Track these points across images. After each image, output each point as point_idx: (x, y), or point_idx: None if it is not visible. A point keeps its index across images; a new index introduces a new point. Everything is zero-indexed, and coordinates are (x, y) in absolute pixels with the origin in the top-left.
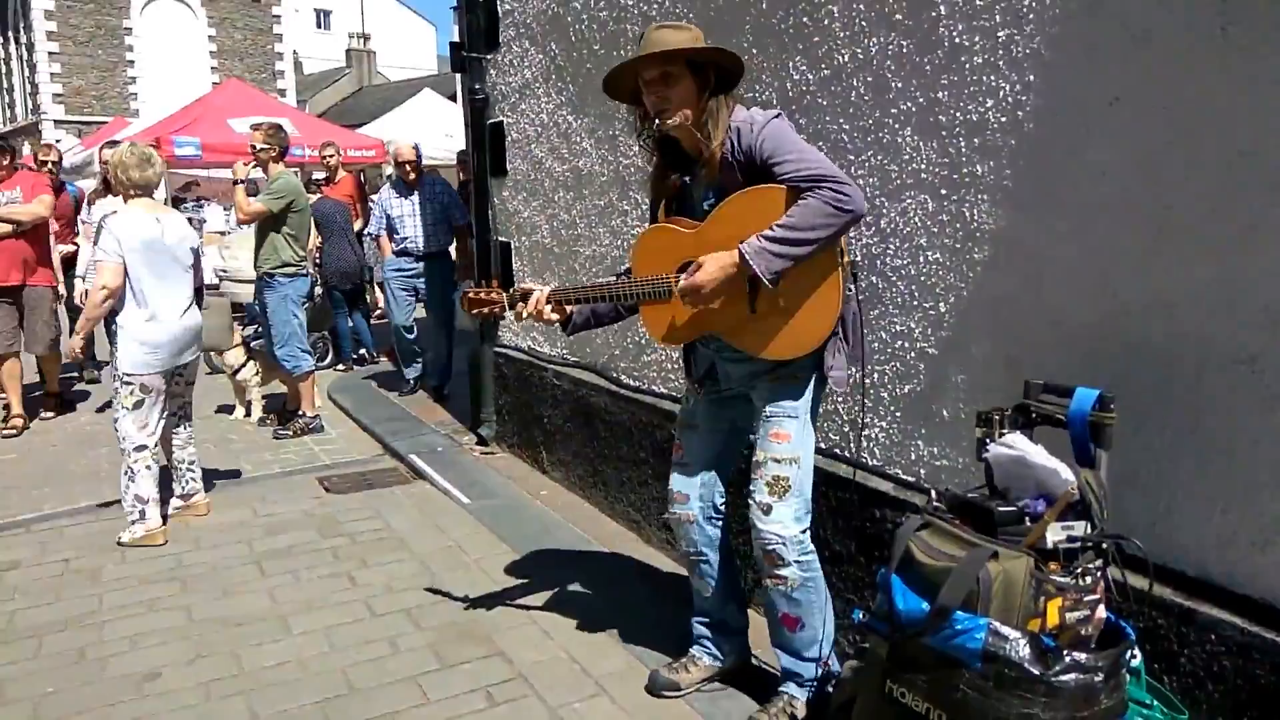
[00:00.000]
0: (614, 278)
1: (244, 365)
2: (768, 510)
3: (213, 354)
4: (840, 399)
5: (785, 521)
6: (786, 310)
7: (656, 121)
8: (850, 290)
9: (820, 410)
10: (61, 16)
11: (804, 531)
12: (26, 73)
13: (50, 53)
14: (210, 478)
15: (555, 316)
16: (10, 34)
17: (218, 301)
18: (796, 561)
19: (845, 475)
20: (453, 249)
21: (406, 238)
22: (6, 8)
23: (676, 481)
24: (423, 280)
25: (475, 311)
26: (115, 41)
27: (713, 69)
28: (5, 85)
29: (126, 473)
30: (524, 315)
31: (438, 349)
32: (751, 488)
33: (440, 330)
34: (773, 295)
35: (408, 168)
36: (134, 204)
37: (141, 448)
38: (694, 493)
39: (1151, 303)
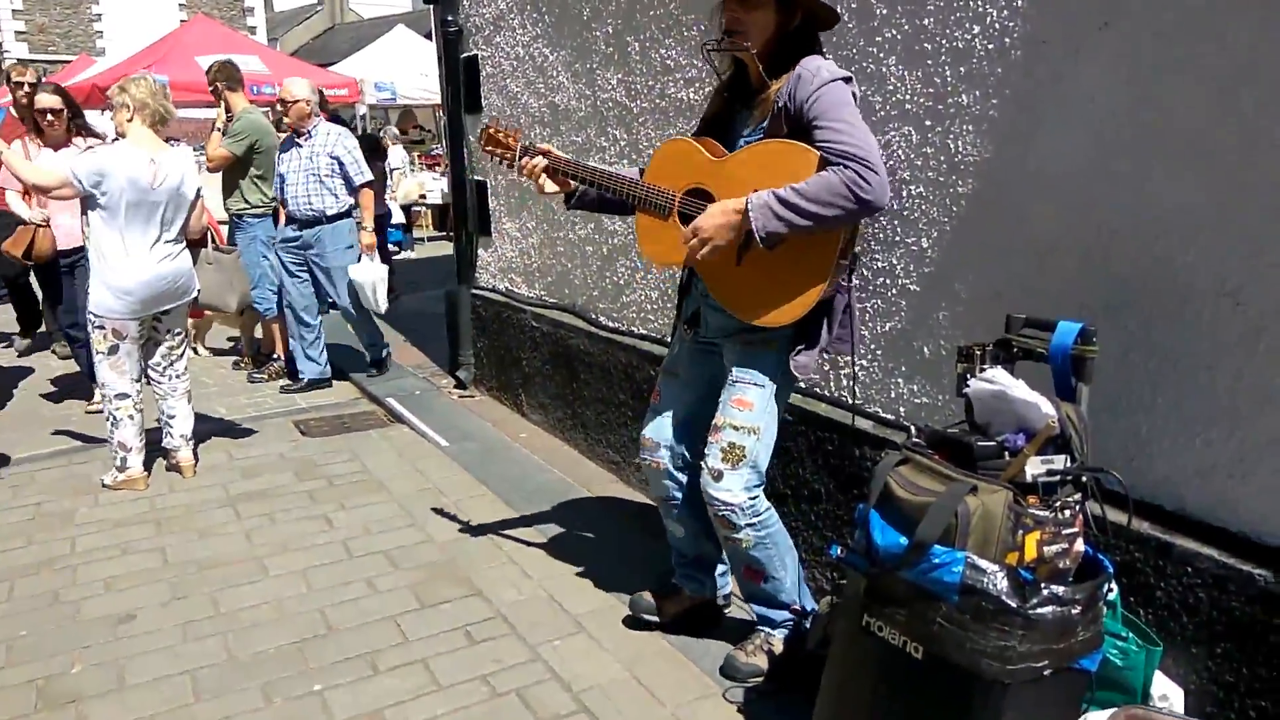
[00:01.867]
0: (626, 171)
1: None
2: (718, 476)
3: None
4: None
5: (734, 490)
6: (769, 278)
7: (726, 39)
8: (846, 281)
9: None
10: None
11: (753, 499)
12: None
13: None
14: None
15: (553, 189)
16: None
17: (224, 258)
18: (749, 525)
19: (825, 414)
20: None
21: (287, 199)
22: None
23: (649, 428)
24: (314, 253)
25: (488, 148)
26: None
27: (801, 10)
28: None
29: (109, 419)
30: (523, 172)
31: (360, 334)
32: (707, 450)
33: (347, 316)
34: (761, 257)
35: (291, 110)
36: (140, 135)
37: (123, 395)
38: (664, 441)
39: (1137, 234)
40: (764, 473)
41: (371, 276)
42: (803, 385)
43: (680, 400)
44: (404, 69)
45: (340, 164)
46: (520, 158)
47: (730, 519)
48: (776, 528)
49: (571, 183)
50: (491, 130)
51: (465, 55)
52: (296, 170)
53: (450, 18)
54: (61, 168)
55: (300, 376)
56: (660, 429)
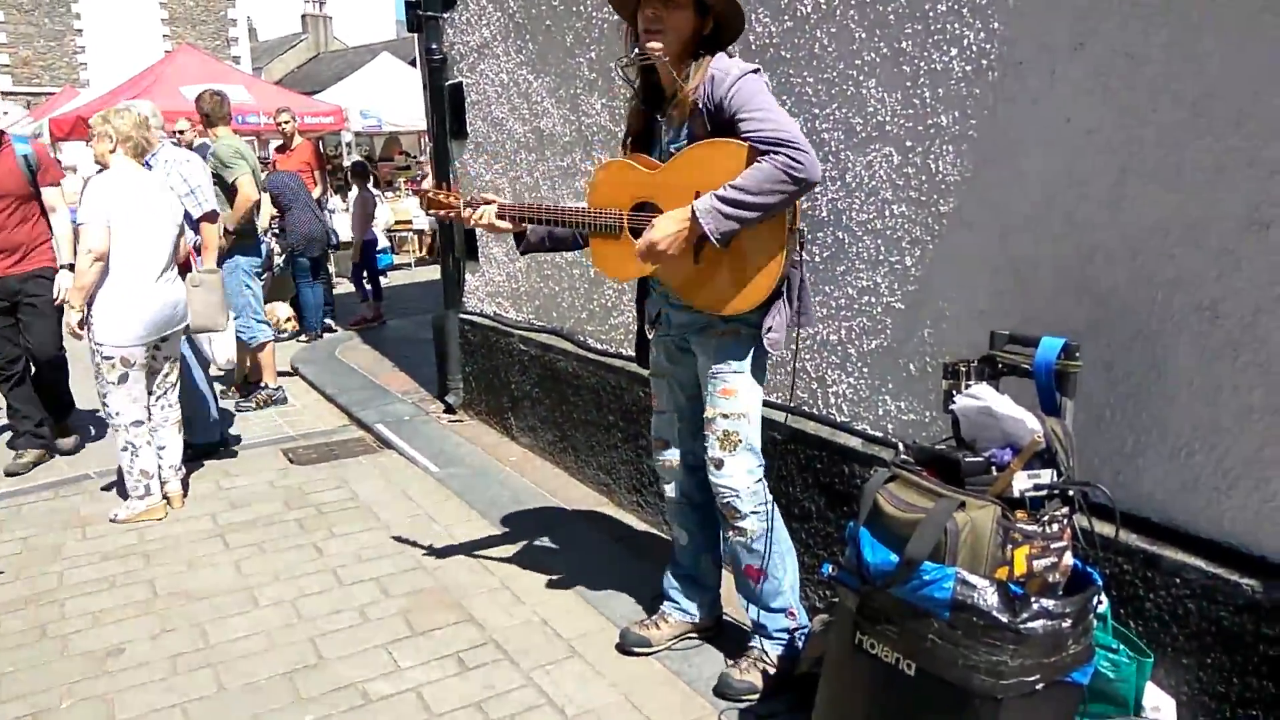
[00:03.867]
0: (574, 204)
1: None
2: (720, 465)
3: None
4: (795, 360)
5: (738, 474)
6: (729, 267)
7: (644, 46)
8: (798, 257)
9: (767, 364)
10: None
11: (758, 482)
12: None
13: None
14: None
15: (505, 226)
16: None
17: (210, 278)
18: (753, 512)
19: (813, 432)
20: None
21: None
22: None
23: (657, 429)
24: None
25: (431, 211)
26: (62, 9)
27: (714, 16)
28: None
29: (127, 449)
30: (472, 222)
31: (191, 402)
32: (705, 444)
33: (190, 381)
34: (717, 251)
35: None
36: (123, 163)
37: (138, 422)
38: (673, 438)
39: (1117, 249)
40: (760, 452)
41: None
42: (774, 357)
43: (677, 397)
44: (389, 96)
45: (177, 195)
46: (464, 210)
47: (735, 505)
48: (779, 522)
49: (521, 223)
50: (430, 194)
51: (450, 82)
52: None
53: (434, 45)
54: (91, 235)
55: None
56: (667, 429)
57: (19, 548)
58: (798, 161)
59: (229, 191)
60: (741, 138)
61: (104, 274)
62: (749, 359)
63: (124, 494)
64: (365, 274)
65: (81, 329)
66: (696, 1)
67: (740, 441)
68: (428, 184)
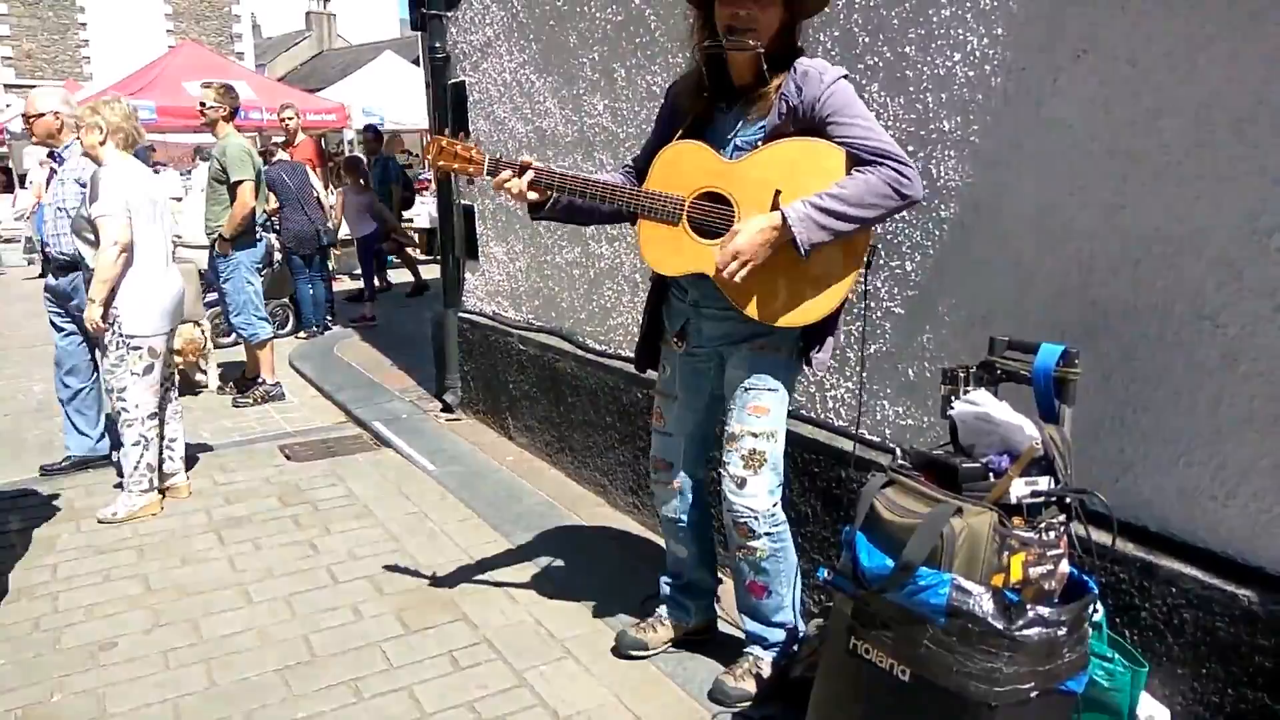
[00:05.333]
0: (620, 179)
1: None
2: (742, 484)
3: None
4: (864, 383)
5: (759, 495)
6: (793, 277)
7: (728, 38)
8: (864, 275)
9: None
10: None
11: (775, 505)
12: None
13: None
14: None
15: (534, 197)
16: None
17: (184, 268)
18: (767, 534)
19: (810, 436)
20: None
21: (45, 240)
22: None
23: (659, 449)
24: (75, 304)
25: (443, 164)
26: (66, 3)
27: (799, 6)
28: None
29: (139, 442)
30: (498, 186)
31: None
32: (726, 459)
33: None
34: (784, 257)
35: (36, 127)
36: (126, 158)
37: (153, 414)
38: (677, 461)
39: (1117, 257)
40: (782, 474)
41: None
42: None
43: (684, 419)
44: (392, 94)
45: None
46: (493, 172)
47: (751, 526)
48: (789, 541)
49: (549, 192)
50: (446, 144)
51: (452, 81)
52: (49, 203)
53: (438, 44)
54: (108, 227)
55: (67, 454)
56: (670, 450)
57: (13, 540)
58: (906, 177)
59: (232, 192)
60: (837, 142)
61: (126, 265)
62: (786, 378)
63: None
64: (364, 269)
65: (105, 322)
66: None
67: (765, 461)
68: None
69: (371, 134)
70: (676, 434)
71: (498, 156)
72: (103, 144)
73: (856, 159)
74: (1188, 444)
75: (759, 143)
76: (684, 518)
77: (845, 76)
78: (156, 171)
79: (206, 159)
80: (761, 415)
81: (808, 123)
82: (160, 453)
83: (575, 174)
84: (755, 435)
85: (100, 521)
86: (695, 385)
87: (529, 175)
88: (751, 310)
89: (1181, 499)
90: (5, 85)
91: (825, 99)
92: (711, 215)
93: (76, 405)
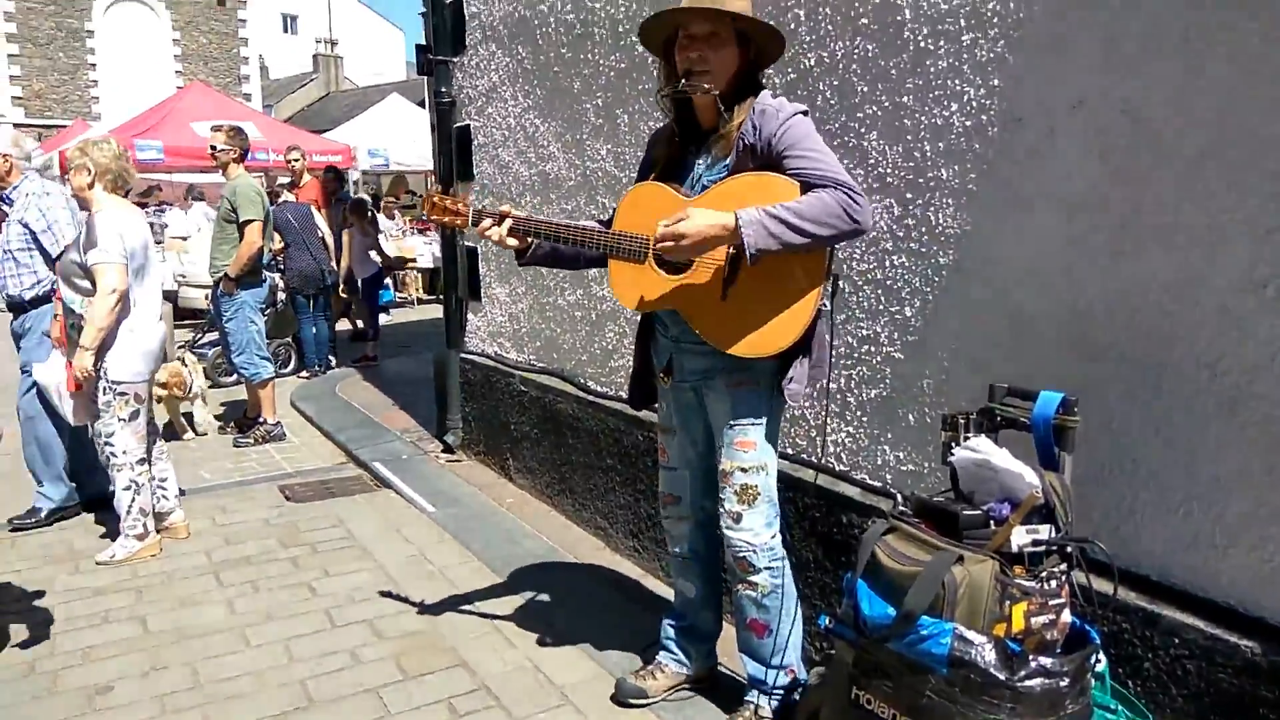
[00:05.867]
0: (593, 223)
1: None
2: (738, 519)
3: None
4: (807, 406)
5: (756, 529)
6: (757, 306)
7: (684, 82)
8: (826, 305)
9: (783, 414)
10: (22, 18)
11: (774, 537)
12: None
13: (10, 55)
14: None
15: (513, 243)
16: None
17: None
18: (767, 568)
19: (810, 480)
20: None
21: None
22: None
23: (665, 484)
24: (26, 344)
25: (434, 218)
26: (76, 43)
27: (754, 47)
28: None
29: (129, 487)
30: (484, 234)
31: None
32: (721, 496)
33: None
34: (747, 288)
35: None
36: (118, 201)
37: (143, 460)
38: (685, 494)
39: (1116, 305)
40: (777, 505)
41: (57, 378)
42: (789, 410)
43: (685, 452)
44: (397, 135)
45: (32, 233)
46: (475, 223)
47: (750, 560)
48: (790, 578)
49: (529, 239)
50: (435, 199)
51: (458, 125)
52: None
53: (444, 89)
54: (107, 274)
55: (36, 508)
56: (678, 484)
57: (12, 581)
58: (857, 204)
59: (239, 230)
60: (790, 174)
61: (121, 313)
62: (765, 411)
63: (113, 534)
64: (367, 309)
65: (94, 370)
66: (738, 35)
67: (759, 494)
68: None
69: (332, 175)
70: (680, 467)
71: (480, 208)
72: (91, 186)
73: (809, 188)
74: (1187, 492)
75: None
76: (693, 554)
77: (804, 113)
78: (162, 211)
79: (199, 199)
80: (748, 450)
81: (766, 158)
82: (152, 494)
83: (551, 220)
84: (744, 470)
85: (98, 563)
86: (689, 417)
87: (508, 223)
88: (716, 342)
89: (1182, 548)
90: (15, 124)
91: (781, 134)
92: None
93: (43, 456)
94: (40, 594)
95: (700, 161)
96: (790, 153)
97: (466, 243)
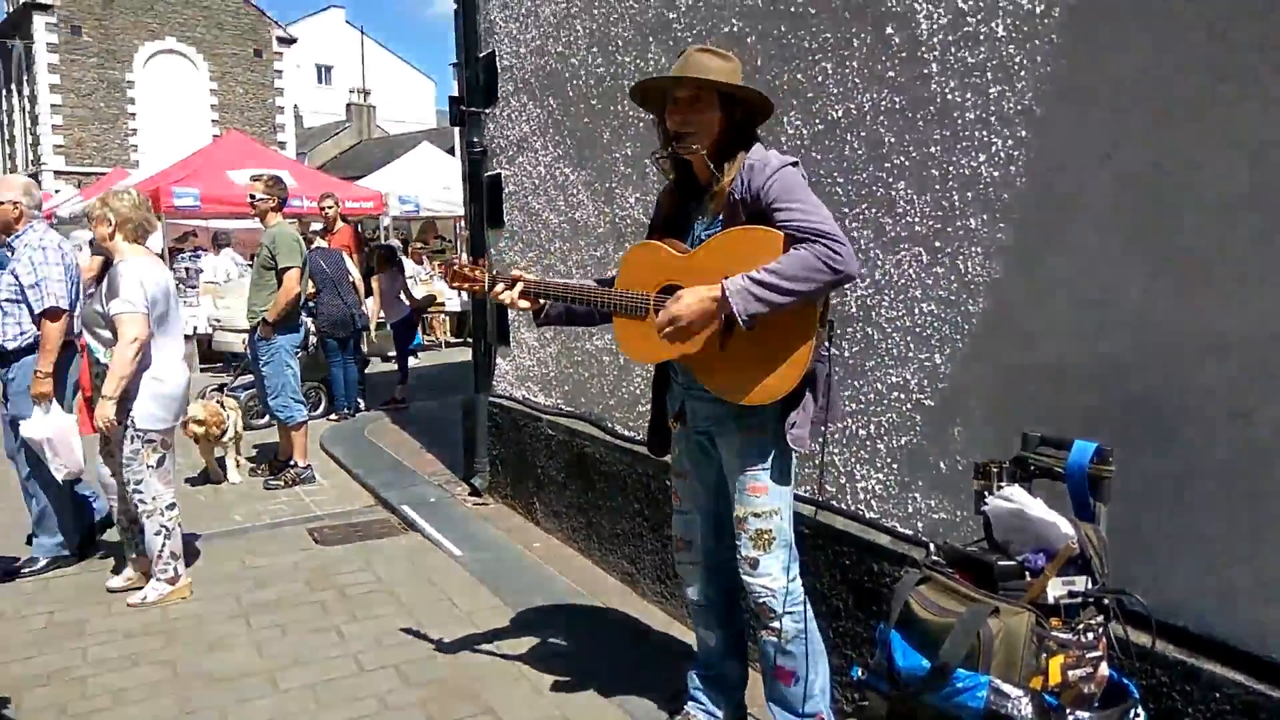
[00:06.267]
0: (597, 282)
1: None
2: (755, 564)
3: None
4: (823, 454)
5: (773, 573)
6: (757, 356)
7: (676, 144)
8: (826, 351)
9: (795, 458)
10: (65, 69)
11: (794, 581)
12: (28, 124)
13: (53, 104)
14: (200, 528)
15: (524, 305)
16: (14, 86)
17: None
18: (788, 613)
19: (840, 527)
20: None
21: None
22: (10, 60)
23: (678, 528)
24: (9, 392)
25: (455, 285)
26: (117, 94)
27: (741, 107)
28: (6, 136)
29: (160, 532)
30: (498, 298)
31: (28, 504)
32: (738, 543)
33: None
34: (745, 337)
35: None
36: (140, 250)
37: (172, 505)
38: (696, 539)
39: (1148, 355)
40: (795, 548)
41: (43, 432)
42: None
43: (698, 496)
44: (427, 182)
45: (21, 286)
46: (491, 288)
47: (770, 606)
48: (813, 623)
49: (540, 300)
50: (456, 268)
51: (489, 174)
52: None
53: (476, 139)
54: (129, 324)
55: (34, 559)
56: (689, 529)
57: (44, 622)
58: (836, 253)
59: (278, 277)
60: (777, 227)
61: (142, 363)
62: (775, 456)
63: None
64: (399, 351)
65: (117, 420)
66: (721, 97)
67: (775, 539)
68: (460, 259)
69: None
70: (692, 510)
71: (496, 273)
72: (112, 236)
73: (794, 239)
74: (1225, 543)
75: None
76: (707, 599)
77: (794, 165)
78: (197, 256)
79: (225, 245)
80: (760, 495)
81: (755, 211)
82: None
83: (560, 281)
84: (758, 515)
85: (129, 606)
86: (700, 461)
87: (519, 286)
88: (720, 391)
89: (1222, 600)
90: (55, 172)
91: (768, 188)
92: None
93: (35, 507)
94: (71, 635)
95: (697, 217)
96: (776, 204)
97: None
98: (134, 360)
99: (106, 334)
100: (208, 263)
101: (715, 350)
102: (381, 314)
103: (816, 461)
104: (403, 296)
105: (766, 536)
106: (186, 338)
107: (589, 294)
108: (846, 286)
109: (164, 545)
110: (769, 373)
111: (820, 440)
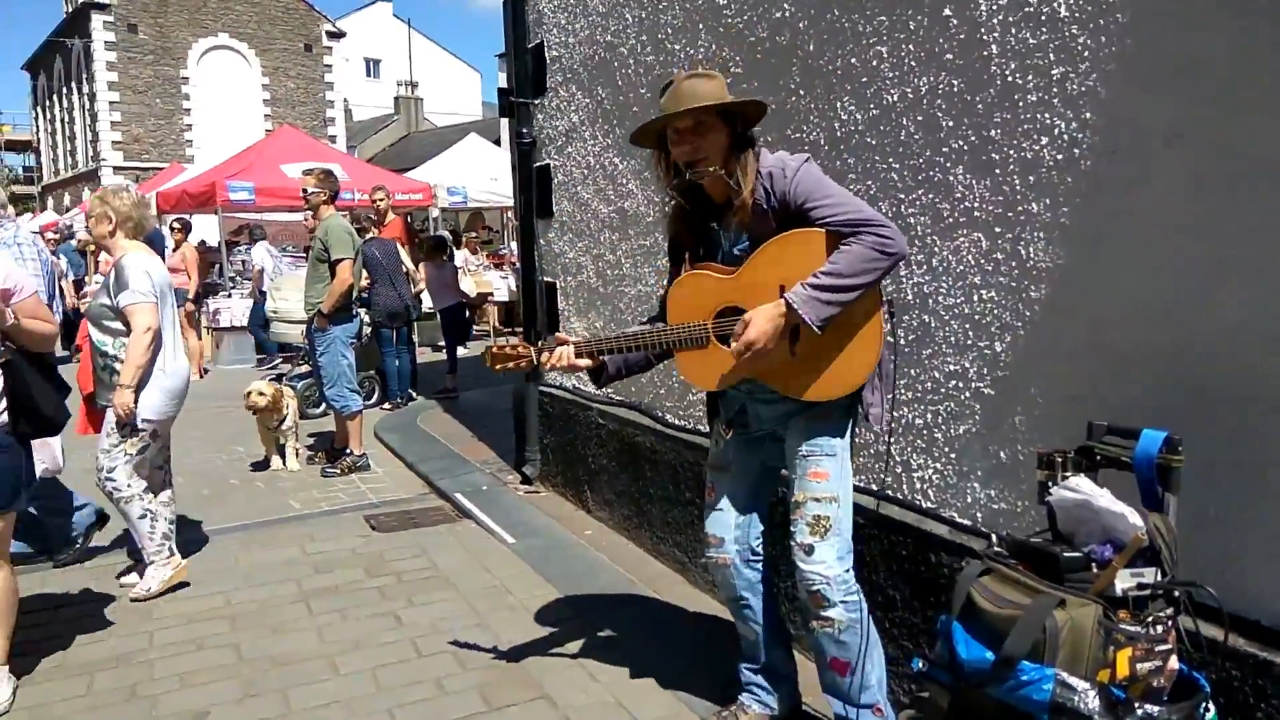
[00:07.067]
0: (645, 325)
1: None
2: (810, 551)
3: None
4: (891, 440)
5: (828, 561)
6: (828, 352)
7: (690, 172)
8: (888, 328)
9: (855, 445)
10: (122, 67)
11: (847, 570)
12: (88, 121)
13: (111, 102)
14: (260, 515)
15: (584, 364)
16: (74, 84)
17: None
18: (842, 602)
19: (897, 517)
20: None
21: None
22: (70, 59)
23: (711, 525)
24: None
25: (500, 367)
26: (173, 90)
27: (740, 119)
28: (67, 133)
29: (145, 516)
30: (549, 366)
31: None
32: (792, 529)
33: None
34: (815, 338)
35: None
36: (139, 247)
37: (147, 489)
38: (729, 535)
39: (1218, 341)
40: (850, 539)
41: None
42: (872, 443)
43: (736, 492)
44: (475, 174)
45: None
46: (539, 358)
47: (825, 594)
48: (866, 612)
49: (599, 356)
50: (495, 350)
51: (538, 165)
52: None
53: (524, 130)
54: (141, 314)
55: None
56: (723, 524)
57: (113, 607)
58: (888, 238)
59: (331, 269)
60: (816, 224)
61: (156, 351)
62: (841, 439)
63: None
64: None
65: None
66: (720, 115)
67: (831, 527)
68: (496, 342)
69: (179, 225)
70: (728, 507)
71: (539, 345)
72: (112, 234)
73: (838, 234)
74: None
75: (750, 247)
76: (745, 596)
77: (806, 160)
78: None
79: (260, 238)
80: (821, 480)
81: (786, 214)
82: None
83: (609, 335)
84: (818, 500)
85: (134, 600)
86: (747, 456)
87: (570, 347)
88: (798, 393)
89: None
90: (114, 168)
91: (794, 189)
92: (732, 328)
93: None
94: (139, 619)
95: (723, 234)
96: (809, 203)
97: (545, 278)
98: (149, 348)
99: (115, 325)
100: (257, 253)
101: (785, 357)
102: (428, 305)
103: (873, 450)
104: (453, 286)
105: (824, 523)
106: (218, 330)
107: (642, 339)
108: (903, 274)
109: (153, 528)
110: (845, 364)
111: (889, 424)
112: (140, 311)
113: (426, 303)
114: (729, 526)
